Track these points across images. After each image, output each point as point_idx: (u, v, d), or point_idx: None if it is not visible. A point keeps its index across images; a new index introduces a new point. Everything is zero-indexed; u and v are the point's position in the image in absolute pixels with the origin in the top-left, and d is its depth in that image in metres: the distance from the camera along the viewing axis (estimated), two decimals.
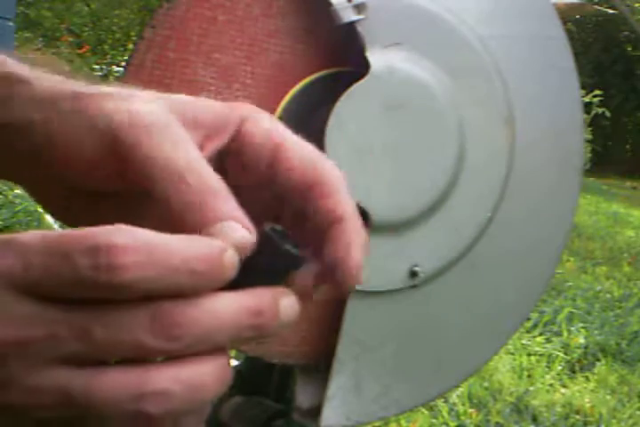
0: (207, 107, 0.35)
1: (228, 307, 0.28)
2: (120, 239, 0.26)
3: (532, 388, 2.18)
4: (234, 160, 0.35)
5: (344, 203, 0.35)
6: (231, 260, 0.28)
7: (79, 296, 0.26)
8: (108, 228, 0.27)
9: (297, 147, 0.36)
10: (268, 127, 0.35)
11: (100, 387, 0.26)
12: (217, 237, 0.29)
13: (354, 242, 0.33)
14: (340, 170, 0.36)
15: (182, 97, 0.35)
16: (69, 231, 0.27)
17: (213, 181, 0.31)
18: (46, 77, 0.35)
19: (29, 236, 0.27)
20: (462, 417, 1.92)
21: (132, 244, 0.26)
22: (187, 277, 0.27)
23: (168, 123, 0.32)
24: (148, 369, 0.27)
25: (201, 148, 0.33)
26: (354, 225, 0.34)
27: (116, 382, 0.26)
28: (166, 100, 0.34)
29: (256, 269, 0.31)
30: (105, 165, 0.32)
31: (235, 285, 0.30)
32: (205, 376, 0.28)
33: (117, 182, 0.33)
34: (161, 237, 0.27)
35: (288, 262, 0.32)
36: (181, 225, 0.30)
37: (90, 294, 0.26)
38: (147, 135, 0.31)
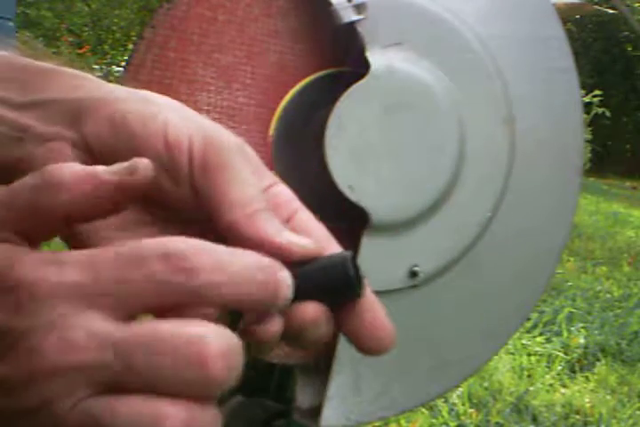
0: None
1: None
2: (188, 246, 0.27)
3: (532, 388, 2.18)
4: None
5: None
6: (286, 278, 0.30)
7: (153, 305, 0.27)
8: (174, 238, 0.28)
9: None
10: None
11: (127, 413, 0.26)
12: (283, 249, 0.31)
13: None
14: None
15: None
16: (136, 243, 0.28)
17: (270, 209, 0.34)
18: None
19: (90, 251, 0.28)
20: (462, 417, 1.93)
21: (201, 249, 0.27)
22: (252, 288, 0.28)
23: (243, 151, 0.34)
24: (167, 402, 0.27)
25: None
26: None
27: (134, 406, 0.26)
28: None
29: (314, 285, 0.32)
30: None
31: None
32: (209, 417, 0.28)
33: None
34: (223, 247, 0.28)
35: (347, 293, 0.32)
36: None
37: (163, 300, 0.27)
38: (237, 156, 0.34)
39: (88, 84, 0.36)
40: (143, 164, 0.30)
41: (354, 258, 0.33)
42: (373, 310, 0.35)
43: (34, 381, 0.26)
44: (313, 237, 0.34)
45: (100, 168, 0.29)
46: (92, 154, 0.34)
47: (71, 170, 0.29)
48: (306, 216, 0.36)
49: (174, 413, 0.26)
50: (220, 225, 0.33)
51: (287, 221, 0.35)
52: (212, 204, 0.33)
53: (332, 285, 0.32)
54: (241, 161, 0.34)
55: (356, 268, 0.32)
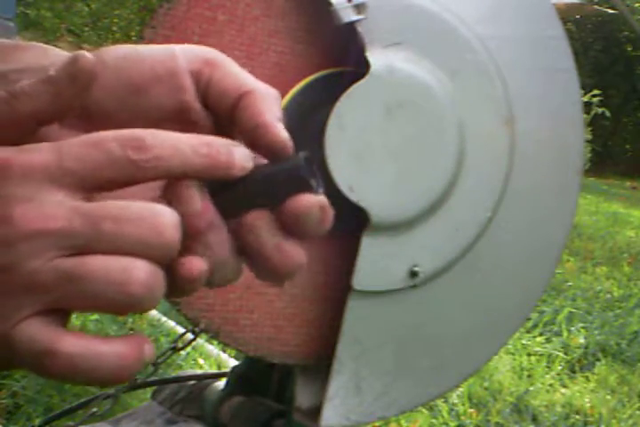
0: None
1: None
2: (141, 132, 0.31)
3: (532, 388, 2.18)
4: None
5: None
6: (242, 154, 0.34)
7: (109, 180, 0.31)
8: (123, 130, 0.32)
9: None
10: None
11: (92, 263, 0.30)
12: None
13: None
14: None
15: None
16: (97, 133, 0.32)
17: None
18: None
19: (60, 142, 0.31)
20: (462, 417, 1.92)
21: (151, 134, 0.31)
22: (194, 159, 0.32)
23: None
24: (133, 258, 0.31)
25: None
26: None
27: (106, 261, 0.31)
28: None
29: (267, 178, 0.34)
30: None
31: (238, 184, 0.34)
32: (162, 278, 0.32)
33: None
34: (174, 133, 0.32)
35: (298, 186, 0.34)
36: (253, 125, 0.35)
37: (120, 174, 0.31)
38: (228, 70, 0.37)
39: (56, 53, 0.39)
40: (82, 56, 0.33)
41: (308, 158, 0.34)
42: None
43: (4, 243, 0.30)
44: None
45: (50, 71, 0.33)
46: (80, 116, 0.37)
47: (30, 84, 0.33)
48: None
49: (141, 265, 0.31)
50: (247, 127, 0.35)
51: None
52: (234, 111, 0.36)
53: (285, 184, 0.34)
54: (239, 69, 0.37)
55: (311, 168, 0.34)
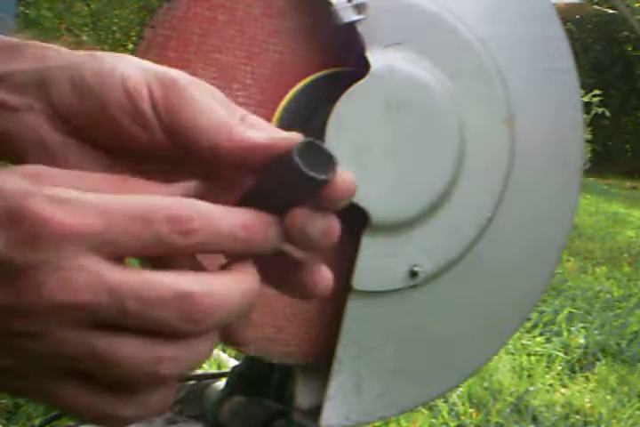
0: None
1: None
2: (190, 212, 0.31)
3: (532, 388, 2.18)
4: None
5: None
6: (276, 233, 0.34)
7: (148, 254, 0.31)
8: (181, 200, 0.31)
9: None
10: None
11: (124, 350, 0.31)
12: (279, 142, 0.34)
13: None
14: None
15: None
16: (147, 198, 0.31)
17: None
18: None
19: (105, 197, 0.30)
20: (462, 417, 1.92)
21: (198, 214, 0.31)
22: (231, 243, 0.32)
23: (204, 88, 0.37)
24: (161, 344, 0.31)
25: None
26: None
27: (137, 349, 0.31)
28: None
29: (273, 185, 0.33)
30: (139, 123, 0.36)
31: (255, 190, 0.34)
32: (203, 348, 0.33)
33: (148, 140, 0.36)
34: (217, 208, 0.32)
35: (309, 185, 0.33)
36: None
37: (159, 252, 0.31)
38: (194, 88, 0.36)
39: (52, 54, 0.38)
40: None
41: (307, 147, 0.33)
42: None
43: (34, 312, 0.30)
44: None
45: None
46: (64, 121, 0.36)
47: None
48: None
49: (170, 354, 0.31)
50: (202, 154, 0.35)
51: None
52: (187, 139, 0.35)
53: (295, 183, 0.33)
54: (201, 94, 0.36)
55: (316, 153, 0.33)
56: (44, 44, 0.39)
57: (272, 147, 0.34)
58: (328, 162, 0.33)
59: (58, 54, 0.38)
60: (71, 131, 0.36)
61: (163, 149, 0.36)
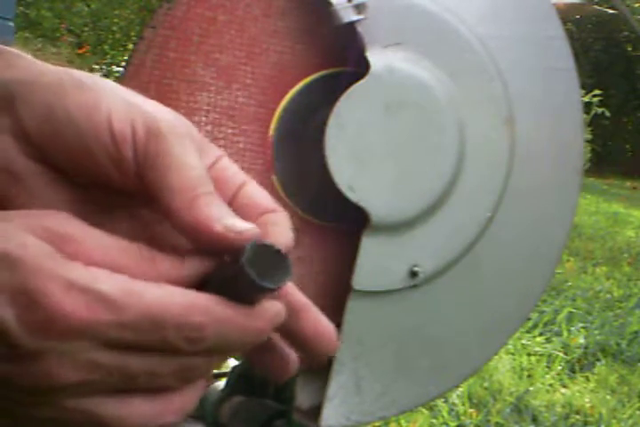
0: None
1: None
2: (203, 320, 0.31)
3: (532, 388, 2.18)
4: None
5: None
6: (276, 318, 0.34)
7: (150, 351, 0.31)
8: (193, 302, 0.31)
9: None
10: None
11: (130, 413, 0.32)
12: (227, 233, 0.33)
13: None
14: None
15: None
16: (163, 295, 0.31)
17: (215, 192, 0.34)
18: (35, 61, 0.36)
19: (123, 290, 0.30)
20: (462, 417, 1.92)
21: (211, 320, 0.31)
22: (239, 346, 0.33)
23: (191, 134, 0.35)
24: (165, 398, 0.33)
25: None
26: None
27: (142, 410, 0.32)
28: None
29: (223, 285, 0.32)
30: (113, 163, 0.34)
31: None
32: (196, 395, 0.35)
33: (119, 179, 0.35)
34: (229, 312, 0.32)
35: (256, 291, 0.32)
36: (191, 231, 0.33)
37: (167, 353, 0.31)
38: (178, 140, 0.34)
39: (17, 64, 0.35)
40: None
41: (261, 248, 0.32)
42: (313, 316, 0.38)
43: (38, 390, 0.30)
44: (260, 208, 0.36)
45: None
46: (33, 146, 0.34)
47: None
48: (252, 188, 0.37)
49: (171, 409, 0.33)
50: (163, 213, 0.34)
51: (234, 196, 0.36)
52: (155, 192, 0.34)
53: (244, 288, 0.33)
54: (181, 145, 0.34)
55: (267, 255, 0.32)
56: (13, 51, 0.36)
57: (224, 239, 0.33)
58: (282, 264, 0.33)
59: (23, 64, 0.35)
60: (40, 157, 0.34)
61: (133, 190, 0.35)
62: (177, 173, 0.33)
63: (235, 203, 0.36)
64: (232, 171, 0.37)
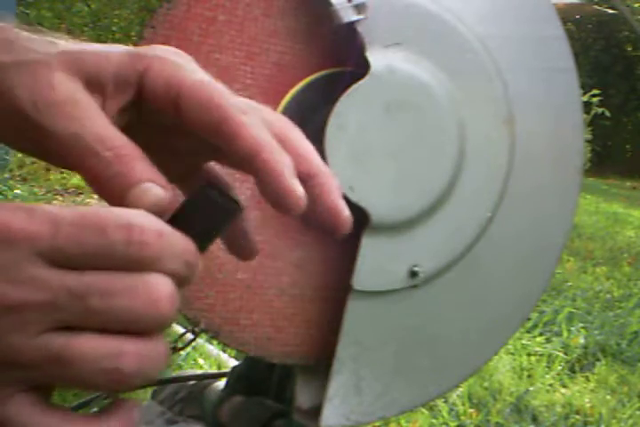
0: (109, 61, 0.36)
1: None
2: (146, 222, 0.30)
3: (532, 388, 2.18)
4: (142, 112, 0.37)
5: (259, 136, 0.35)
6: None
7: (96, 265, 0.30)
8: (134, 211, 0.31)
9: (196, 89, 0.36)
10: (167, 75, 0.36)
11: (81, 346, 0.29)
12: (135, 202, 0.32)
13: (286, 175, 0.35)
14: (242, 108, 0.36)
15: (81, 48, 0.36)
16: (102, 208, 0.30)
17: (122, 148, 0.33)
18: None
19: (59, 208, 0.30)
20: (462, 417, 1.92)
21: (153, 227, 0.30)
22: (180, 267, 0.31)
23: (75, 97, 0.34)
24: (123, 337, 0.30)
25: (104, 108, 0.35)
26: (276, 156, 0.35)
27: (95, 344, 0.29)
28: (67, 56, 0.35)
29: (194, 224, 0.33)
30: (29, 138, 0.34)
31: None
32: (160, 348, 0.31)
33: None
34: (167, 227, 0.31)
35: (223, 216, 0.34)
36: (109, 194, 0.33)
37: (111, 264, 0.30)
38: (58, 112, 0.33)
39: (22, 42, 0.36)
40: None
41: (210, 186, 0.34)
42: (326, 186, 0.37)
43: None
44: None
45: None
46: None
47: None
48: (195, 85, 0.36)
49: (132, 348, 0.30)
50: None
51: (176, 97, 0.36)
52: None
53: (212, 221, 0.34)
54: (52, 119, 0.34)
55: (220, 191, 0.34)
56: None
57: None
58: (230, 196, 0.35)
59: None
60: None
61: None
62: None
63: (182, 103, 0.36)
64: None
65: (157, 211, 0.32)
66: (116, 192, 0.33)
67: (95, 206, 0.30)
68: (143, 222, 0.30)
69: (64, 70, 0.35)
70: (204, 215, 0.34)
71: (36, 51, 0.35)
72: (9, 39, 0.35)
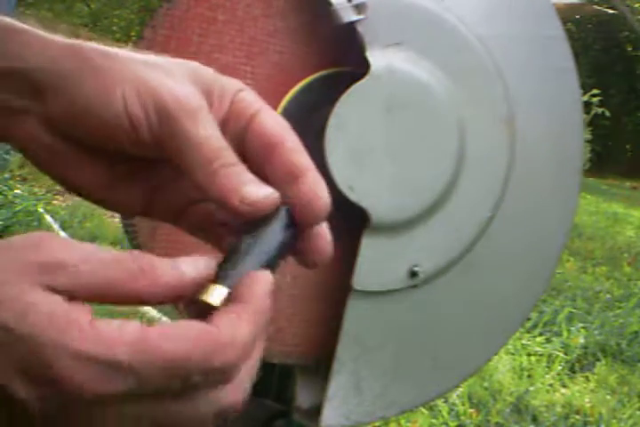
0: (215, 79, 0.39)
1: None
2: (226, 358, 0.31)
3: (532, 388, 2.18)
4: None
5: (303, 157, 0.37)
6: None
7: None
8: (217, 350, 0.31)
9: (268, 118, 0.38)
10: (252, 107, 0.38)
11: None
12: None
13: (318, 185, 0.36)
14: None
15: (197, 67, 0.39)
16: (177, 346, 0.30)
17: (235, 160, 0.35)
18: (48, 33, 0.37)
19: (136, 347, 0.29)
20: (462, 417, 1.92)
21: (233, 355, 0.32)
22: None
23: (202, 106, 0.36)
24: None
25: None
26: (315, 175, 0.36)
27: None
28: (189, 72, 0.38)
29: (269, 241, 0.34)
30: (135, 126, 0.35)
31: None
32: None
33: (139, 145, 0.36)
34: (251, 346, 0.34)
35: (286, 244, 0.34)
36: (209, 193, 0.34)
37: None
38: (189, 118, 0.35)
39: (31, 43, 0.36)
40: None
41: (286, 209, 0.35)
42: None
43: None
44: (270, 139, 0.37)
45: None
46: (54, 126, 0.36)
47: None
48: (264, 117, 0.38)
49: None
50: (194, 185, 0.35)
51: (245, 128, 0.37)
52: (184, 171, 0.35)
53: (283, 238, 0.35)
54: (193, 122, 0.35)
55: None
56: (23, 27, 0.37)
57: (240, 213, 0.34)
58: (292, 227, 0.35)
59: (44, 46, 0.37)
60: (65, 137, 0.36)
61: (154, 160, 0.37)
62: (192, 152, 0.34)
63: (247, 135, 0.37)
64: (246, 102, 0.38)
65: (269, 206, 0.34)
66: (216, 195, 0.34)
67: (174, 349, 0.30)
68: (223, 365, 0.31)
69: (188, 79, 0.37)
70: (277, 232, 0.34)
71: (154, 60, 0.37)
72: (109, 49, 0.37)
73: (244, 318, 0.32)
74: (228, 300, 0.33)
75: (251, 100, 0.38)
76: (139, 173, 0.38)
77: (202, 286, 0.32)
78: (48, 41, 0.37)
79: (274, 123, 0.37)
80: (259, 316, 0.33)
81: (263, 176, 0.36)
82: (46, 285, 0.29)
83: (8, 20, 0.37)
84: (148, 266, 0.31)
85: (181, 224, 0.39)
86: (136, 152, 0.36)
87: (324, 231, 0.37)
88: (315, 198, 0.35)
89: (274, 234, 0.34)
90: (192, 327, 0.30)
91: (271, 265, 0.34)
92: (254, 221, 0.34)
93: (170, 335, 0.30)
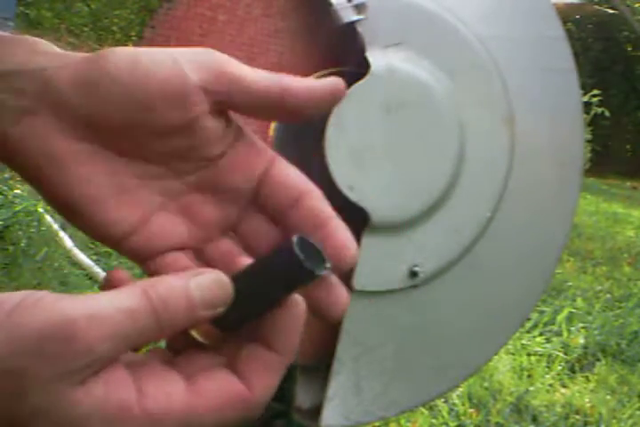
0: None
1: None
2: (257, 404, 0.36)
3: (532, 388, 2.18)
4: None
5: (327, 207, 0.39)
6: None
7: None
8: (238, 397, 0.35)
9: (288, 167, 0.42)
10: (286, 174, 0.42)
11: None
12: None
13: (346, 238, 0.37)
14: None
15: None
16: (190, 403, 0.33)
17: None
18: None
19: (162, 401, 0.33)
20: (462, 417, 1.93)
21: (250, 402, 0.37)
22: None
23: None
24: None
25: None
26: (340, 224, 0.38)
27: None
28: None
29: (271, 274, 0.34)
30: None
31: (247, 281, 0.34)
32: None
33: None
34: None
35: (302, 275, 0.34)
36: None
37: None
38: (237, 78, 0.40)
39: (44, 50, 0.37)
40: None
41: (303, 241, 0.34)
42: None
43: None
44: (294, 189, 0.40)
45: None
46: (73, 120, 0.36)
47: None
48: (282, 166, 0.42)
49: None
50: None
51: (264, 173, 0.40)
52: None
53: (290, 275, 0.34)
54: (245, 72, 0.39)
55: (310, 249, 0.34)
56: (35, 39, 0.37)
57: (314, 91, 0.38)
58: (319, 257, 0.34)
59: (56, 52, 0.37)
60: (81, 135, 0.36)
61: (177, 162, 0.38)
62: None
63: (267, 180, 0.40)
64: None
65: None
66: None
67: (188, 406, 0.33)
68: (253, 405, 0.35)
69: None
70: (283, 269, 0.34)
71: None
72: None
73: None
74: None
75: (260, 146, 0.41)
76: (142, 184, 0.38)
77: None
78: (44, 44, 0.38)
79: (293, 173, 0.42)
80: None
81: (284, 222, 0.37)
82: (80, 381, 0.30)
83: (32, 39, 0.38)
84: (160, 304, 0.32)
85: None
86: (155, 147, 0.37)
87: (339, 282, 0.37)
88: (344, 247, 0.36)
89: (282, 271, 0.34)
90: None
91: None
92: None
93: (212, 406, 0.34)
